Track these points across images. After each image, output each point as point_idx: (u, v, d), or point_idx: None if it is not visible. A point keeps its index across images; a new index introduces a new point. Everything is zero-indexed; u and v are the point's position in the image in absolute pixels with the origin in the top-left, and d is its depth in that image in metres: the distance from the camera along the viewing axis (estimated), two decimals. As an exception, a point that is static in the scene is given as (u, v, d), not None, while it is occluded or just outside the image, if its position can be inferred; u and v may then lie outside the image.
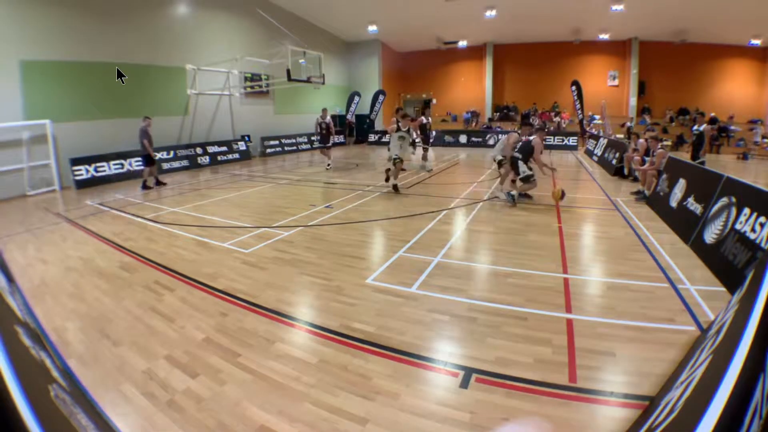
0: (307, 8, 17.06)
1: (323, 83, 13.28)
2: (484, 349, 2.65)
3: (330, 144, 12.00)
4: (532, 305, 3.23)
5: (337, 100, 21.50)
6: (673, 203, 5.64)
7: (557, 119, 20.25)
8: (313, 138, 18.98)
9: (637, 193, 7.37)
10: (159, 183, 9.77)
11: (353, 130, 21.50)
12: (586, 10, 16.37)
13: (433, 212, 6.30)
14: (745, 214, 3.68)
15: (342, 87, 21.90)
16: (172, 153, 12.31)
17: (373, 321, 3.05)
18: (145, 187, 9.25)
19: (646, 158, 7.94)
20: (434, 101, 23.60)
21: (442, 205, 6.90)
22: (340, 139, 20.79)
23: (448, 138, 19.40)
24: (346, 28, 19.97)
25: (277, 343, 2.79)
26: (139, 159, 11.20)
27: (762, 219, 3.39)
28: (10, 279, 2.49)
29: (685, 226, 4.93)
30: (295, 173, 11.31)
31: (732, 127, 16.99)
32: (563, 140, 17.71)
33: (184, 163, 12.60)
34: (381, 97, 20.94)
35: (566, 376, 2.35)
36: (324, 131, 11.74)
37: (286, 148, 17.12)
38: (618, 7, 15.46)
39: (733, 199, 4.02)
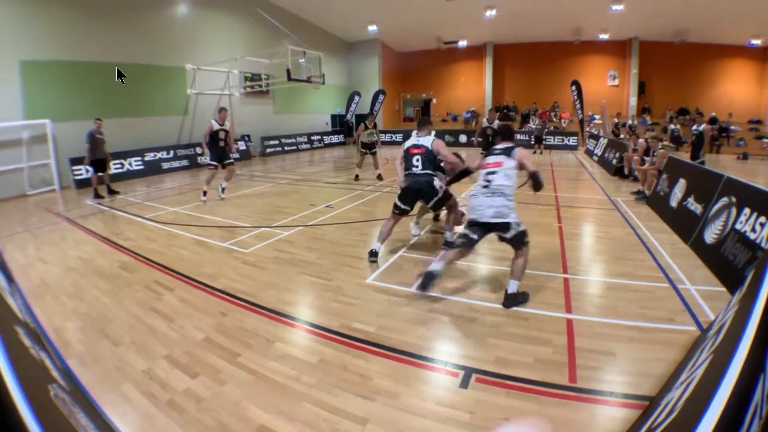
0: (307, 8, 17.06)
1: (323, 83, 13.28)
2: (484, 349, 2.64)
3: (231, 161, 7.66)
4: (532, 305, 3.23)
5: (337, 100, 21.50)
6: (673, 203, 5.64)
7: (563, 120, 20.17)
8: (313, 137, 18.98)
9: (637, 193, 7.37)
10: (112, 192, 8.60)
11: (353, 129, 21.52)
12: (586, 10, 16.38)
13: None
14: (745, 214, 3.68)
15: (342, 87, 21.90)
16: (172, 153, 12.32)
17: (373, 321, 3.05)
18: (97, 195, 8.30)
19: (646, 158, 7.94)
20: (434, 101, 23.61)
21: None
22: (340, 138, 20.82)
23: (448, 138, 19.43)
24: (346, 28, 19.96)
25: (277, 343, 2.79)
26: (138, 159, 11.25)
27: (762, 219, 3.39)
28: (10, 279, 2.48)
29: (685, 226, 4.93)
30: (295, 173, 11.30)
31: (732, 127, 16.98)
32: (563, 140, 17.70)
33: (184, 163, 12.60)
34: (381, 97, 20.95)
35: (566, 376, 2.35)
36: (221, 141, 7.46)
37: (286, 148, 17.12)
38: (618, 7, 15.47)
39: (733, 199, 4.02)
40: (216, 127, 7.39)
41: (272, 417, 2.07)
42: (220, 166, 7.57)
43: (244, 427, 2.01)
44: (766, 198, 3.55)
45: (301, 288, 3.74)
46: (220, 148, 7.51)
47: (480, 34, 20.54)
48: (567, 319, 3.01)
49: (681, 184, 5.62)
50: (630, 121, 17.24)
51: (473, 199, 3.31)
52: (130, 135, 11.13)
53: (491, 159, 3.40)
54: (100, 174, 8.38)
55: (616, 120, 15.47)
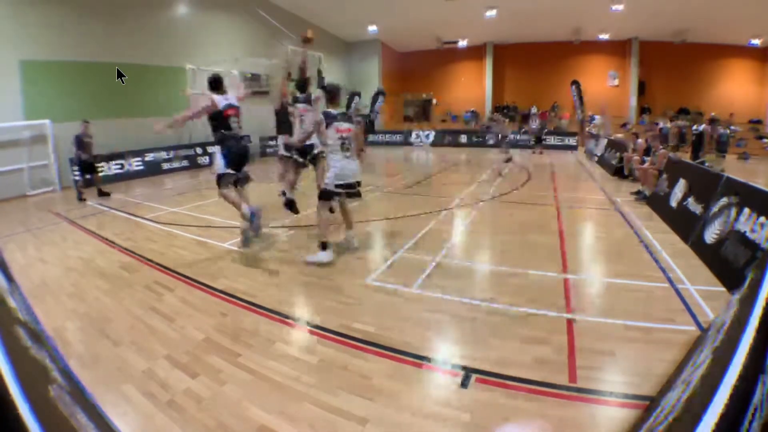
0: (307, 8, 17.04)
1: (323, 84, 13.27)
2: (484, 349, 2.64)
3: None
4: (532, 305, 3.23)
5: (337, 100, 21.47)
6: (673, 203, 5.64)
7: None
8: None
9: (637, 193, 7.36)
10: (102, 193, 8.46)
11: (353, 130, 21.51)
12: (586, 10, 16.36)
13: (433, 212, 6.29)
14: (745, 214, 3.68)
15: (342, 87, 21.87)
16: (172, 153, 12.32)
17: (373, 321, 3.05)
18: (80, 199, 8.05)
19: (645, 158, 7.94)
20: (434, 101, 23.59)
21: (442, 205, 6.90)
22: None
23: (448, 138, 19.53)
24: (346, 28, 19.95)
25: (277, 343, 2.79)
26: (138, 160, 11.25)
27: (762, 219, 3.39)
28: (10, 279, 2.48)
29: (685, 226, 4.93)
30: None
31: (732, 127, 16.94)
32: (563, 140, 17.71)
33: (185, 163, 12.61)
34: (381, 97, 20.94)
35: (566, 376, 2.35)
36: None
37: (286, 148, 17.11)
38: (618, 7, 15.45)
39: (734, 199, 4.02)
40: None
41: (272, 417, 2.07)
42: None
43: (244, 427, 2.01)
44: (766, 198, 3.55)
45: (301, 288, 3.74)
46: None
47: (480, 34, 20.53)
48: (567, 319, 3.01)
49: (681, 184, 5.61)
50: (662, 124, 14.74)
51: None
52: (131, 135, 11.10)
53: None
54: (88, 177, 8.28)
55: (660, 125, 13.45)
